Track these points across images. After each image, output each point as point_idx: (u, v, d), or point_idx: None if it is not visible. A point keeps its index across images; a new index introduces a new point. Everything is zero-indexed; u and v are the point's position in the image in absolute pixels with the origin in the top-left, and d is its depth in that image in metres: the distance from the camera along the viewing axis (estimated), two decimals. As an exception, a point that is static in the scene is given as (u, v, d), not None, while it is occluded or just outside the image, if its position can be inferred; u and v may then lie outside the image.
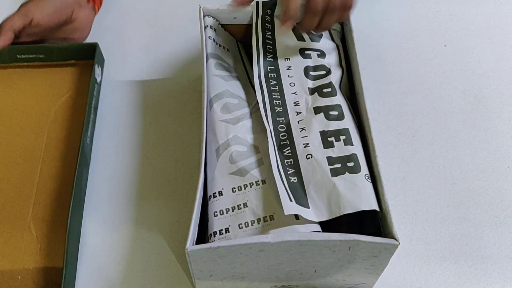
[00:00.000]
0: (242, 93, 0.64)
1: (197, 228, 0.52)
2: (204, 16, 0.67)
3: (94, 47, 0.75)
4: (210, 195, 0.56)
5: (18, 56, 0.76)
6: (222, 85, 0.63)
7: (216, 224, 0.54)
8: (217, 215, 0.54)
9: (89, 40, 0.79)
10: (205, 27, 0.66)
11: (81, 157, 0.64)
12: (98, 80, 0.75)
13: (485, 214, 0.65)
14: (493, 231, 0.63)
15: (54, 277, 0.59)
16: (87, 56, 0.75)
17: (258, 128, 0.60)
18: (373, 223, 0.54)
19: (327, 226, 0.53)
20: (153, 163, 0.69)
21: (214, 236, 0.53)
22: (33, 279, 0.59)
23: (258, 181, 0.55)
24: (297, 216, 0.52)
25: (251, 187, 0.55)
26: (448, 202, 0.66)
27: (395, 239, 0.48)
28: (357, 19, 0.82)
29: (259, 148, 0.58)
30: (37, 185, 0.65)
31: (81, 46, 0.76)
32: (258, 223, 0.52)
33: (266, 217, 0.53)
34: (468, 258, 0.61)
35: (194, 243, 0.51)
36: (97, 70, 0.74)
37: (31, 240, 0.62)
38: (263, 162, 0.57)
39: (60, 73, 0.76)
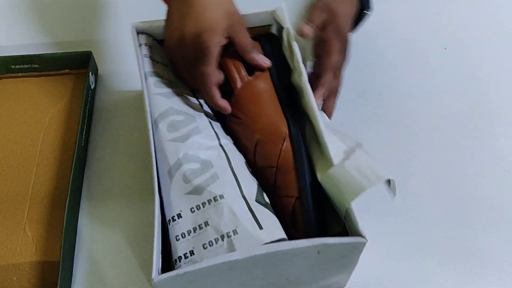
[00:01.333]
0: (187, 108, 0.62)
1: (161, 255, 0.50)
2: (138, 34, 0.65)
3: (88, 55, 0.75)
4: (169, 219, 0.54)
5: (12, 66, 0.76)
6: (165, 103, 0.60)
7: (179, 248, 0.52)
8: (179, 238, 0.52)
9: (82, 49, 0.78)
10: (140, 45, 0.65)
11: (76, 160, 0.65)
12: (92, 87, 0.75)
13: (484, 219, 0.64)
14: (492, 235, 0.63)
15: (50, 278, 0.59)
16: (81, 65, 0.76)
17: (209, 142, 0.58)
18: (338, 223, 0.54)
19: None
20: (147, 166, 0.68)
21: (180, 261, 0.51)
22: (29, 280, 0.59)
23: (215, 196, 0.53)
24: (260, 226, 0.51)
25: (209, 204, 0.53)
26: (447, 206, 0.66)
27: (361, 236, 0.48)
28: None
29: (212, 163, 0.56)
30: (32, 188, 0.66)
31: (75, 55, 0.76)
32: (223, 240, 0.51)
33: (229, 232, 0.51)
34: (467, 262, 0.61)
35: (160, 271, 0.49)
36: (91, 78, 0.75)
37: (27, 242, 0.62)
38: (218, 176, 0.55)
39: (54, 82, 0.77)
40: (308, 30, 0.65)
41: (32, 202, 0.65)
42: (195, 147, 0.58)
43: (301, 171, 0.55)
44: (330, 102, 0.68)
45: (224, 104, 0.60)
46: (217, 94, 0.60)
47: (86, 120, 0.71)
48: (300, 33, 0.65)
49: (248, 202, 0.53)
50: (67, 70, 0.77)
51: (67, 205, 0.60)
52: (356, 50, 0.76)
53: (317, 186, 0.55)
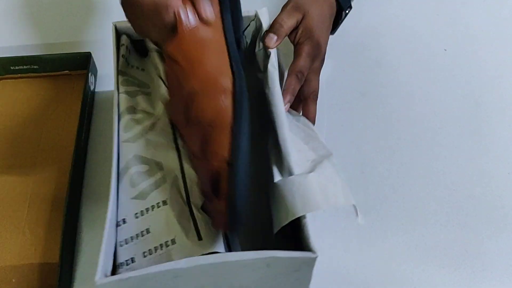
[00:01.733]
0: (148, 107, 0.61)
1: (111, 258, 0.49)
2: (121, 35, 0.65)
3: (87, 56, 0.75)
4: (117, 223, 0.52)
5: (11, 67, 0.76)
6: (126, 102, 0.60)
7: (121, 254, 0.50)
8: (122, 244, 0.50)
9: (82, 50, 0.78)
10: (122, 45, 0.65)
11: (75, 161, 0.64)
12: (92, 88, 0.75)
13: (485, 221, 0.64)
14: (493, 238, 0.63)
15: (49, 280, 0.59)
16: (81, 66, 0.76)
17: (162, 140, 0.57)
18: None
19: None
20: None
21: (121, 268, 0.49)
22: (28, 282, 0.59)
23: (158, 202, 0.51)
24: (199, 236, 0.49)
25: (152, 210, 0.51)
26: (447, 209, 0.65)
27: (312, 251, 0.46)
28: (357, 24, 0.82)
29: (162, 165, 0.55)
30: (32, 189, 0.66)
31: (75, 56, 0.76)
32: (161, 249, 0.49)
33: (168, 241, 0.49)
34: (468, 265, 0.61)
35: (109, 274, 0.47)
36: (91, 78, 0.74)
37: (26, 243, 0.61)
38: (165, 180, 0.53)
39: (54, 83, 0.76)
40: (271, 42, 0.62)
41: (31, 203, 0.64)
42: (145, 147, 0.56)
43: (238, 132, 0.48)
44: (309, 107, 0.66)
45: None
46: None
47: (85, 121, 0.70)
48: (264, 45, 0.62)
49: (192, 210, 0.51)
50: (66, 71, 0.77)
51: (66, 206, 0.60)
52: (356, 51, 0.76)
53: (255, 158, 0.51)
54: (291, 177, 0.51)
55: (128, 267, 0.49)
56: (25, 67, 0.76)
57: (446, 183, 0.67)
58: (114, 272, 0.50)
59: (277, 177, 0.53)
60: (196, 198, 0.52)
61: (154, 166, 0.54)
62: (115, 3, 0.81)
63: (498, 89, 0.77)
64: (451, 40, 0.83)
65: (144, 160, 0.55)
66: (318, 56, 0.66)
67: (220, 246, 0.49)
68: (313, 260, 0.46)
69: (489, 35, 0.84)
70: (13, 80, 0.77)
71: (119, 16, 0.74)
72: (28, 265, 0.60)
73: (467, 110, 0.75)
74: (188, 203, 0.52)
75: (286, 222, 0.49)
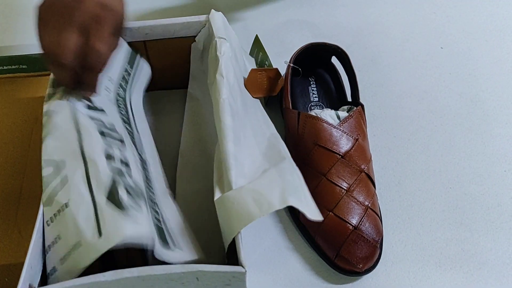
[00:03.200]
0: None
1: (39, 267, 0.48)
2: None
3: None
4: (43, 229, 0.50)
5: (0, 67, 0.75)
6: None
7: (47, 263, 0.48)
8: (47, 252, 0.49)
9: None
10: None
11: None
12: None
13: (481, 219, 0.64)
14: (489, 236, 0.62)
15: (41, 278, 0.58)
16: None
17: (61, 134, 0.54)
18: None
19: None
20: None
21: (49, 277, 0.47)
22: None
23: (62, 206, 0.49)
24: (100, 232, 0.46)
25: (59, 214, 0.49)
26: (443, 207, 0.65)
27: (241, 266, 0.46)
28: (352, 22, 0.82)
29: (65, 162, 0.51)
30: (23, 189, 0.65)
31: None
32: (73, 254, 0.46)
33: (76, 244, 0.46)
34: (464, 264, 0.60)
35: (37, 284, 0.46)
36: None
37: (19, 242, 0.61)
38: (67, 179, 0.50)
39: (43, 83, 0.75)
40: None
41: (23, 202, 0.64)
42: (53, 145, 0.53)
43: None
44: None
45: None
46: None
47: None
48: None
49: (96, 205, 0.48)
50: None
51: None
52: (351, 50, 0.76)
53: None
54: (227, 193, 0.51)
55: (52, 276, 0.47)
56: (13, 67, 0.76)
57: (442, 181, 0.67)
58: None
59: (217, 195, 0.52)
60: (101, 189, 0.49)
61: (58, 166, 0.52)
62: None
63: (495, 87, 0.77)
64: (447, 38, 0.83)
65: (50, 162, 0.52)
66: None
67: (120, 235, 0.45)
68: (243, 274, 0.46)
69: (485, 33, 0.84)
70: (1, 80, 0.76)
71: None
72: (21, 264, 0.58)
73: (463, 108, 0.74)
74: (93, 199, 0.49)
75: (230, 241, 0.49)
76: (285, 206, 0.48)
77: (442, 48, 0.82)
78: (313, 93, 0.72)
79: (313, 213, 0.49)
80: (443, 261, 0.61)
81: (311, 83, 0.73)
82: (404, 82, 0.77)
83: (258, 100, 0.67)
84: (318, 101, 0.71)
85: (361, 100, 0.67)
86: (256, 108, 0.65)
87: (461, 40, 0.83)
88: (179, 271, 0.45)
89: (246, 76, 0.68)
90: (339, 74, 0.73)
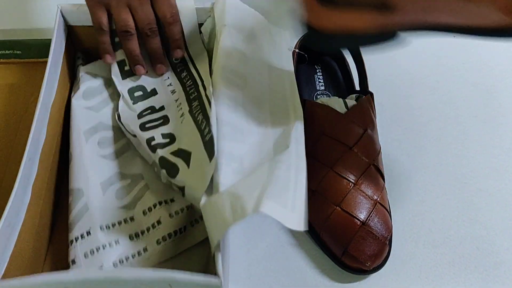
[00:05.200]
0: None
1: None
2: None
3: None
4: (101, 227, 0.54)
5: None
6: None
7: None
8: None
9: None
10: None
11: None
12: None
13: (497, 216, 0.61)
14: (506, 234, 0.60)
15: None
16: None
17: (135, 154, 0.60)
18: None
19: None
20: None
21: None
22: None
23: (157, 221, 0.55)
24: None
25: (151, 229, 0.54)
26: (457, 203, 0.62)
27: (217, 276, 0.43)
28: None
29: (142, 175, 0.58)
30: (3, 180, 0.62)
31: None
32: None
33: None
34: (479, 263, 0.58)
35: None
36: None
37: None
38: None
39: (37, 70, 0.72)
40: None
41: (2, 192, 0.61)
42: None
43: None
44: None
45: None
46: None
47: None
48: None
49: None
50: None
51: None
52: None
53: None
54: (210, 197, 0.48)
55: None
56: (7, 52, 0.73)
57: (456, 176, 0.64)
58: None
59: (203, 199, 0.49)
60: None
61: (135, 178, 0.58)
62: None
63: (510, 77, 0.74)
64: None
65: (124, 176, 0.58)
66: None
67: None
68: (218, 285, 0.43)
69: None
70: (-6, 65, 0.74)
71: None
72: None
73: (478, 99, 0.72)
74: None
75: (213, 251, 0.46)
76: (256, 212, 0.43)
77: (454, 36, 0.78)
78: (319, 82, 0.69)
79: (293, 221, 0.44)
80: (456, 260, 0.58)
81: (317, 71, 0.70)
82: (415, 72, 0.75)
83: (289, 78, 0.61)
84: (325, 89, 0.68)
85: (372, 90, 0.64)
86: (284, 87, 0.60)
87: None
88: (148, 277, 0.42)
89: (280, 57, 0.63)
90: (347, 61, 0.70)
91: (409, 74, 0.74)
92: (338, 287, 0.56)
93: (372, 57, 0.75)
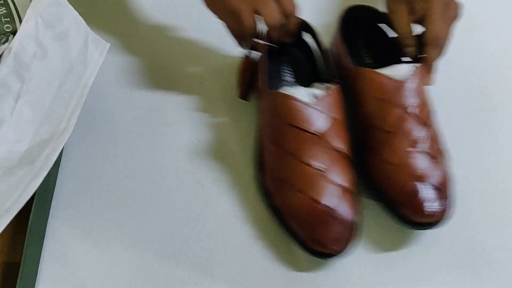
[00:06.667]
0: None
1: None
2: None
3: None
4: None
5: None
6: None
7: None
8: None
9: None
10: None
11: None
12: None
13: (490, 216, 0.62)
14: (498, 234, 0.61)
15: (12, 280, 0.56)
16: None
17: None
18: None
19: None
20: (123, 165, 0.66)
21: None
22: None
23: None
24: None
25: None
26: None
27: None
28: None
29: None
30: None
31: None
32: None
33: None
34: (472, 263, 0.59)
35: None
36: None
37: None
38: None
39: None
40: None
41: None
42: None
43: None
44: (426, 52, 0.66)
45: None
46: None
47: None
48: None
49: None
50: None
51: (34, 202, 0.57)
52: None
53: None
54: None
55: None
56: None
57: (449, 177, 0.65)
58: None
59: None
60: None
61: None
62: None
63: (504, 79, 0.75)
64: (455, 29, 0.81)
65: None
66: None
67: None
68: None
69: (494, 24, 0.81)
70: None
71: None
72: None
73: (471, 100, 0.72)
74: None
75: None
76: None
77: (449, 39, 0.80)
78: (286, 73, 0.70)
79: None
80: (449, 259, 0.59)
81: (283, 62, 0.71)
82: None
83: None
84: (292, 80, 0.69)
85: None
86: (72, 95, 0.59)
87: (469, 30, 0.80)
88: None
89: None
90: (313, 51, 0.70)
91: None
92: (306, 275, 0.58)
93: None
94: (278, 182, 0.59)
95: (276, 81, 0.69)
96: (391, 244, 0.60)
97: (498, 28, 0.81)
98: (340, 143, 0.59)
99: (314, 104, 0.59)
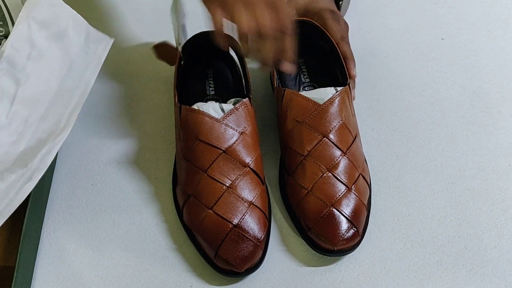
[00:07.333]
0: None
1: None
2: None
3: None
4: None
5: None
6: None
7: None
8: None
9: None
10: None
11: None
12: None
13: (485, 215, 0.62)
14: (493, 233, 0.61)
15: (7, 284, 0.55)
16: None
17: None
18: None
19: None
20: (115, 170, 0.66)
21: None
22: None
23: None
24: None
25: None
26: (445, 203, 0.63)
27: None
28: (352, 12, 0.80)
29: None
30: None
31: None
32: None
33: None
34: (467, 262, 0.59)
35: None
36: None
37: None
38: None
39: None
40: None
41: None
42: None
43: None
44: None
45: None
46: None
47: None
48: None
49: None
50: None
51: (29, 207, 0.56)
52: (350, 40, 0.74)
53: None
54: None
55: None
56: None
57: (444, 176, 0.65)
58: None
59: None
60: None
61: None
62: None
63: (498, 78, 0.75)
64: (449, 29, 0.81)
65: None
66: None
67: None
68: None
69: (488, 24, 0.82)
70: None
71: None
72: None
73: (465, 101, 0.72)
74: None
75: None
76: None
77: (443, 39, 0.80)
78: (210, 87, 0.69)
79: None
80: (445, 259, 0.59)
81: (209, 76, 0.70)
82: (404, 74, 0.75)
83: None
84: (215, 94, 0.68)
85: (358, 92, 0.65)
86: (73, 94, 0.59)
87: (463, 31, 0.80)
88: None
89: None
90: (238, 66, 0.69)
91: (397, 77, 0.75)
92: (307, 275, 0.57)
93: (362, 58, 0.75)
94: (187, 197, 0.59)
95: (199, 95, 0.68)
96: (387, 244, 0.60)
97: (491, 27, 0.81)
98: (247, 158, 0.59)
99: (221, 119, 0.59)
